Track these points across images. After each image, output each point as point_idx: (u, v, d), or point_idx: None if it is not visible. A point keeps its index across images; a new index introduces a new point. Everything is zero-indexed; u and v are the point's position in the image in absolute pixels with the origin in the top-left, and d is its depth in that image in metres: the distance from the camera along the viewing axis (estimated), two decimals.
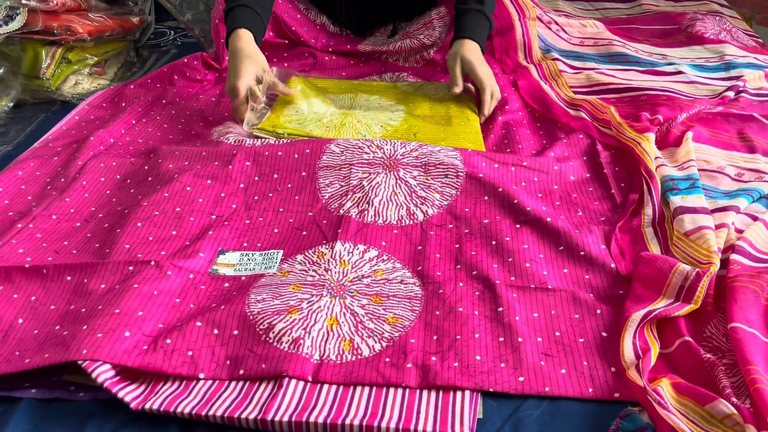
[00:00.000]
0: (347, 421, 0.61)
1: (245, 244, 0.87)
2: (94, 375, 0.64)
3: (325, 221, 0.90)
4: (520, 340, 0.71)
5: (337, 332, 0.72)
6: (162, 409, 0.63)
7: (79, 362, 0.65)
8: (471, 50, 1.18)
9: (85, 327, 0.69)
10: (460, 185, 0.94)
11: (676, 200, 0.87)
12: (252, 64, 1.11)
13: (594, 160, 1.01)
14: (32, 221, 0.90)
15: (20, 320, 0.74)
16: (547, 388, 0.66)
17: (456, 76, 1.17)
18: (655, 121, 1.05)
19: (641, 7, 1.63)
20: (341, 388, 0.67)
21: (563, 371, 0.68)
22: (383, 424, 0.61)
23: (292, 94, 1.17)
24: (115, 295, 0.74)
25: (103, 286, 0.77)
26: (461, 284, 0.79)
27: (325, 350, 0.70)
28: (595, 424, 0.63)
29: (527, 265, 0.81)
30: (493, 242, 0.85)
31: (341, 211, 0.90)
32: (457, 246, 0.85)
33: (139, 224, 0.87)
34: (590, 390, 0.66)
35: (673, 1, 1.64)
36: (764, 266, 0.77)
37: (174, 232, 0.87)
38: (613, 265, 0.80)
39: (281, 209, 0.93)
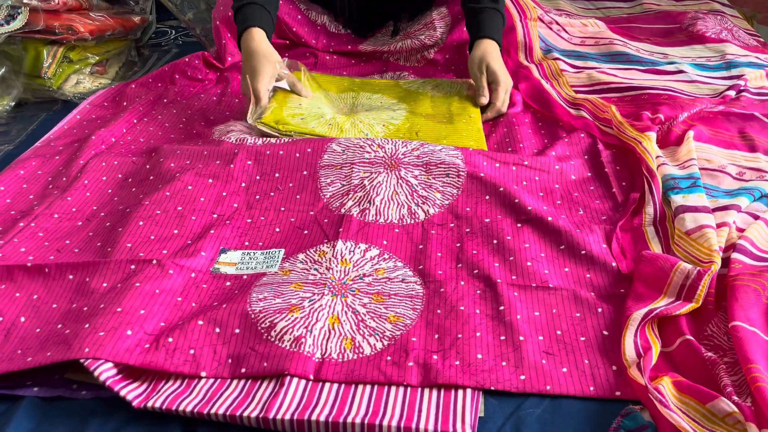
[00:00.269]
0: (349, 420, 0.61)
1: (247, 243, 0.87)
2: (96, 373, 0.64)
3: (326, 220, 0.90)
4: (521, 338, 0.71)
5: (338, 331, 0.72)
6: (164, 407, 0.64)
7: (82, 360, 0.65)
8: (493, 55, 1.17)
9: (87, 325, 0.69)
10: (462, 185, 0.94)
11: (678, 199, 0.87)
12: (269, 63, 1.11)
13: (595, 159, 1.02)
14: (34, 220, 0.90)
15: (22, 319, 0.74)
16: (548, 387, 0.66)
17: (483, 87, 1.16)
18: (657, 120, 1.05)
19: (642, 6, 1.63)
20: (343, 386, 0.67)
21: (564, 370, 0.68)
22: (385, 423, 0.61)
23: (309, 96, 1.16)
24: (117, 293, 0.74)
25: (105, 284, 0.77)
26: (462, 283, 0.79)
27: (326, 349, 0.70)
28: (597, 423, 0.63)
29: (528, 264, 0.81)
30: (495, 241, 0.85)
31: (342, 210, 0.90)
32: (458, 245, 0.85)
33: (141, 223, 0.87)
34: (591, 388, 0.66)
35: (674, 0, 1.64)
36: (765, 265, 0.77)
37: (176, 231, 0.87)
38: (614, 264, 0.80)
39: (282, 208, 0.93)
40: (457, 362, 0.68)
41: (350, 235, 0.86)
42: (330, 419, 0.62)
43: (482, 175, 0.94)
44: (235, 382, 0.67)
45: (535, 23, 1.39)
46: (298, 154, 0.99)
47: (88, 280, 0.78)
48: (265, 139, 1.05)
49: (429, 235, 0.87)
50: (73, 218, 0.92)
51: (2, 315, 0.75)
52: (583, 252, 0.82)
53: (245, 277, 0.81)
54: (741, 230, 0.82)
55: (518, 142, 1.07)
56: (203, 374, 0.68)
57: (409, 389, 0.66)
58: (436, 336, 0.72)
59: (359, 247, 0.85)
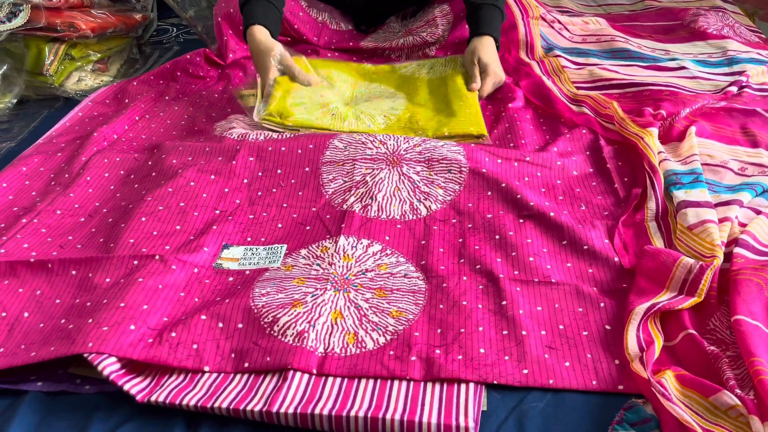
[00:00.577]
0: (352, 413, 0.61)
1: (249, 239, 0.87)
2: (99, 368, 0.65)
3: (328, 216, 0.90)
4: (524, 333, 0.71)
5: (341, 325, 0.72)
6: (167, 401, 0.64)
7: (85, 355, 0.65)
8: (486, 49, 1.21)
9: (90, 320, 0.70)
10: (464, 180, 0.94)
11: (680, 194, 0.87)
12: (271, 58, 1.15)
13: (597, 155, 1.01)
14: (37, 216, 0.90)
15: (26, 314, 0.75)
16: (551, 381, 0.66)
17: (474, 75, 1.20)
18: (658, 116, 1.05)
19: (644, 3, 1.63)
20: (346, 380, 0.67)
21: (567, 364, 0.68)
22: (388, 416, 0.61)
23: (313, 83, 1.18)
24: (120, 289, 0.74)
25: (108, 280, 0.77)
26: (465, 278, 0.79)
27: (329, 343, 0.70)
28: (599, 416, 0.63)
29: (531, 259, 0.81)
30: (497, 237, 0.85)
31: (344, 206, 0.91)
32: (460, 240, 0.85)
33: (144, 219, 0.87)
34: (594, 382, 0.66)
35: None
36: (767, 259, 0.77)
37: (178, 227, 0.87)
38: (616, 259, 0.80)
39: (285, 204, 0.93)
40: (460, 357, 0.68)
41: (352, 230, 0.86)
42: (333, 413, 0.62)
43: (484, 171, 0.94)
44: (238, 376, 0.67)
45: (537, 22, 1.39)
46: (300, 151, 0.99)
47: (91, 276, 0.78)
48: (267, 134, 1.05)
49: (431, 230, 0.87)
50: (76, 214, 0.92)
51: (6, 310, 0.75)
52: (585, 247, 0.82)
53: (248, 272, 0.81)
54: (743, 225, 0.82)
55: (520, 138, 1.07)
56: (206, 369, 0.68)
57: (411, 383, 0.66)
58: (439, 331, 0.72)
59: (361, 243, 0.85)
